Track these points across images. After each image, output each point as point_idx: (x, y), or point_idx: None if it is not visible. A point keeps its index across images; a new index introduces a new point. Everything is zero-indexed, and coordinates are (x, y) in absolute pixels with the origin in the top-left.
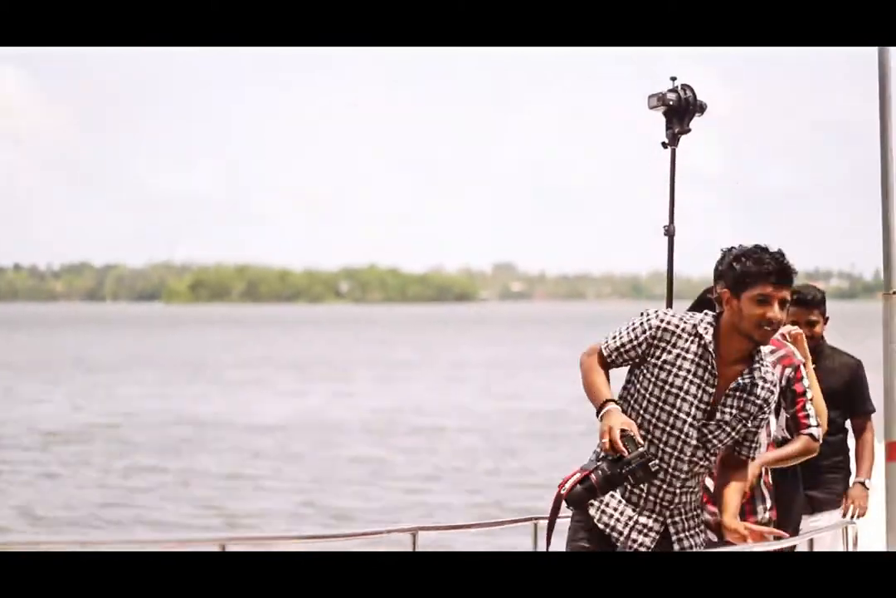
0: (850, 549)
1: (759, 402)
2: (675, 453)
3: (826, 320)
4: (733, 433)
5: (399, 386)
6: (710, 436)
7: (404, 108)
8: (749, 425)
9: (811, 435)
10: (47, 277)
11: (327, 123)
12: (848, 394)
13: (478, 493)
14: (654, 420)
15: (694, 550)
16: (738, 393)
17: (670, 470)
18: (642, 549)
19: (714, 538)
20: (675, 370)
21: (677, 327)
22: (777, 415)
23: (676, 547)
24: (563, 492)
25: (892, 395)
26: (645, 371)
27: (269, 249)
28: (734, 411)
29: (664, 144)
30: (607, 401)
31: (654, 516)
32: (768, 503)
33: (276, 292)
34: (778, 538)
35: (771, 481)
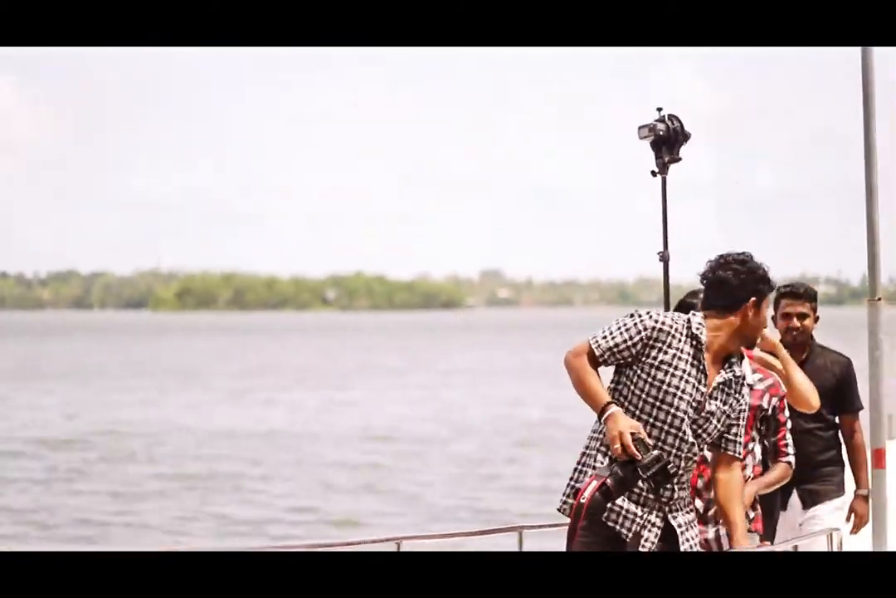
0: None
1: (739, 394)
2: (674, 451)
3: (817, 318)
4: (719, 426)
5: (387, 394)
6: (699, 430)
7: (404, 108)
8: (731, 416)
9: (789, 463)
10: (34, 285)
11: (327, 123)
12: (839, 391)
13: (468, 499)
14: (651, 420)
15: (692, 541)
16: (722, 387)
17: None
18: (648, 544)
19: (702, 529)
20: (671, 370)
21: (671, 327)
22: (761, 442)
23: (681, 540)
24: (583, 501)
25: (877, 402)
26: (639, 372)
27: (255, 257)
28: (719, 404)
29: (654, 173)
30: (609, 404)
31: (655, 512)
32: (751, 515)
33: (263, 300)
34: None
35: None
